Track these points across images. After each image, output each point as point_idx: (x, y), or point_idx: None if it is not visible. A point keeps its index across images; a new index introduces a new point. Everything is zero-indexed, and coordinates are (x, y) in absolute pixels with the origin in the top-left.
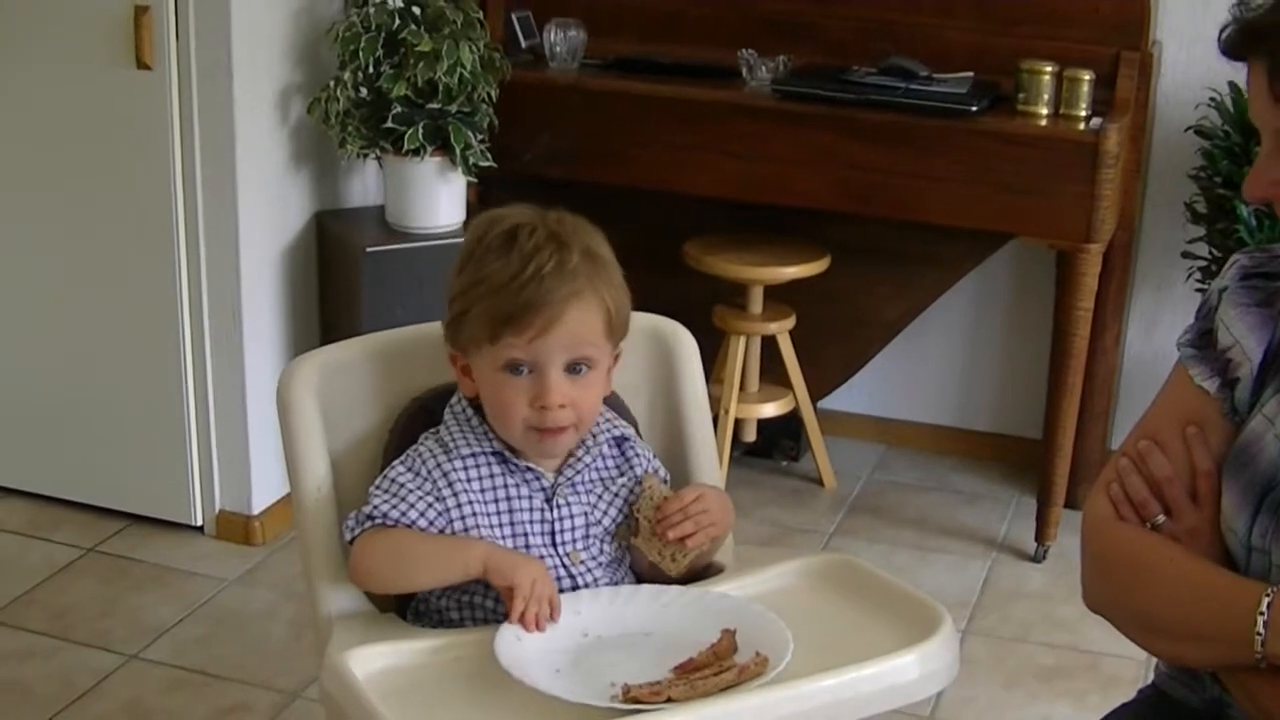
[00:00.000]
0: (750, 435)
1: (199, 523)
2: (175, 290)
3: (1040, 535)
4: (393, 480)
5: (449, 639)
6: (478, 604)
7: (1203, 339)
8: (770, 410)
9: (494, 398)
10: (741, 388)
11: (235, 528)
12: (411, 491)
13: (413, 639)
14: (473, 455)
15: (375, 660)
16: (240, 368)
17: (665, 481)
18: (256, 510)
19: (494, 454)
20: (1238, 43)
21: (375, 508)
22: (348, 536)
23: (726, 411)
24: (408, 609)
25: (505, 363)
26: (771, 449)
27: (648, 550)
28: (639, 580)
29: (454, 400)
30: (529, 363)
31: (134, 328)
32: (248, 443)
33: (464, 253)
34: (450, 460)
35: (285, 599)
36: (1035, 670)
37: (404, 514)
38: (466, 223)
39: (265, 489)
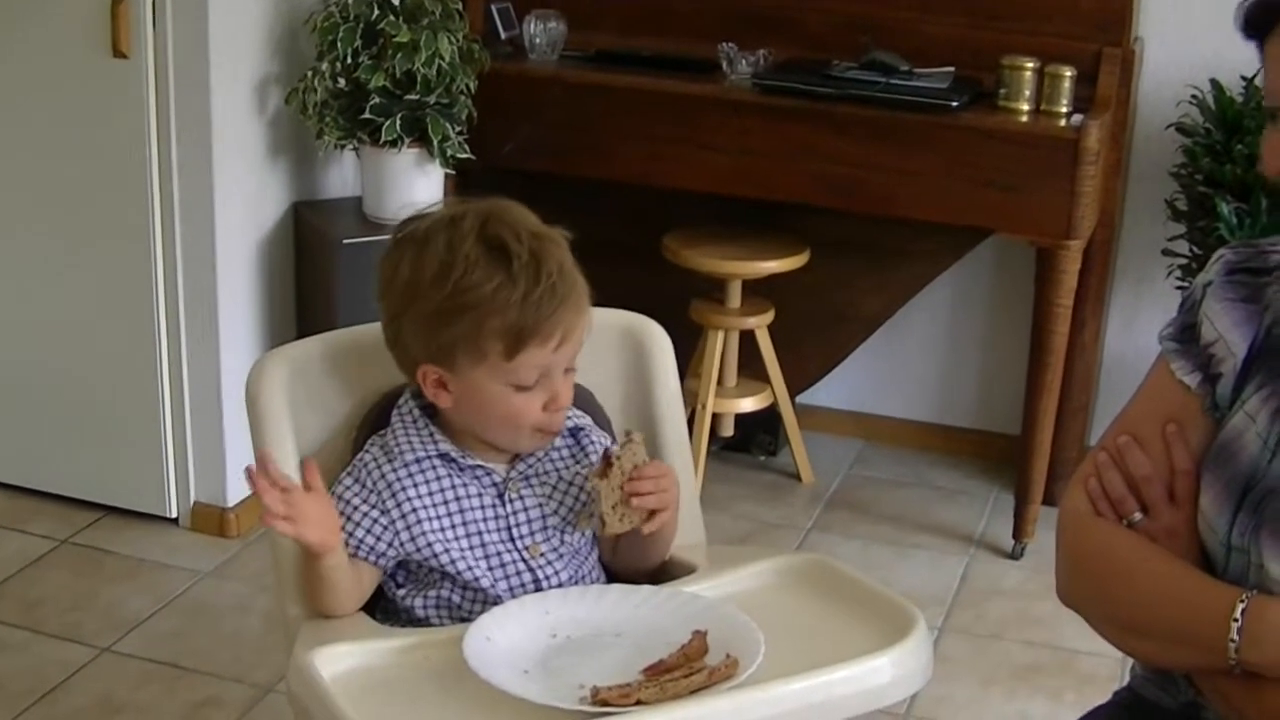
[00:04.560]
0: (728, 430)
1: (174, 515)
2: (151, 281)
3: (1018, 532)
4: (339, 497)
5: (417, 638)
6: (444, 601)
7: (1185, 333)
8: (748, 405)
9: (497, 409)
10: (719, 382)
11: (210, 520)
12: (357, 509)
13: (380, 639)
14: (417, 460)
15: (342, 660)
16: (216, 359)
17: None
18: (231, 503)
19: (440, 456)
20: (1263, 14)
21: None
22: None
23: (704, 406)
24: (377, 608)
25: (518, 381)
26: (749, 444)
27: (606, 497)
28: (605, 569)
29: (402, 401)
30: (540, 374)
31: (109, 318)
32: (223, 435)
33: (428, 266)
34: (394, 468)
35: (259, 592)
36: (1011, 668)
37: (351, 534)
38: None
39: (240, 481)
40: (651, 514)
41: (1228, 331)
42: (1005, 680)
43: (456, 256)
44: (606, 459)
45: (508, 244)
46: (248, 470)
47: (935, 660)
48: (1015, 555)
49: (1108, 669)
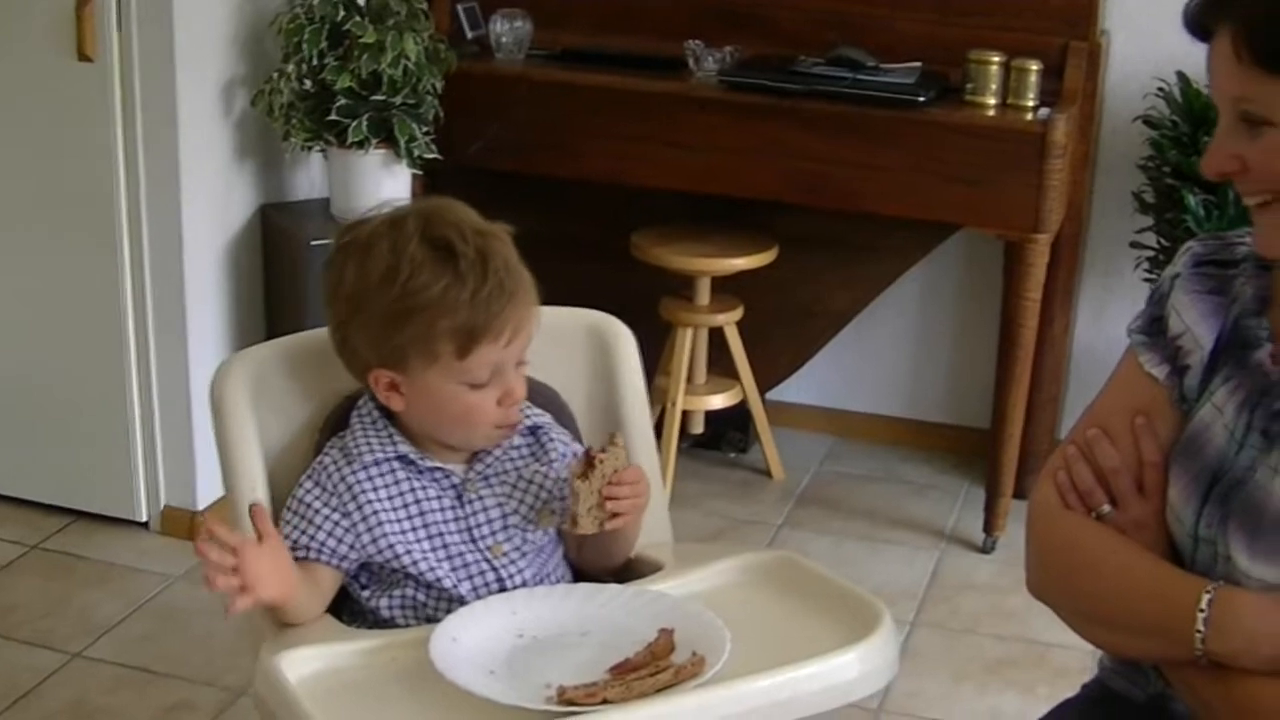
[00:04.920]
0: (698, 427)
1: (144, 519)
2: (119, 284)
3: (989, 526)
4: (300, 500)
5: (383, 640)
6: (409, 601)
7: (1153, 325)
8: (718, 402)
9: (452, 408)
10: (689, 380)
11: (180, 523)
12: (318, 512)
13: (346, 640)
14: (376, 463)
15: (308, 663)
16: (184, 362)
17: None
18: (202, 505)
19: (399, 458)
20: (1205, 12)
21: (286, 536)
22: None
23: (674, 404)
24: (343, 609)
25: (471, 379)
26: (720, 441)
27: (584, 498)
28: (571, 567)
29: (361, 403)
30: (493, 370)
31: (77, 322)
32: (192, 438)
33: (373, 271)
34: (353, 470)
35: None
36: (984, 662)
37: (312, 538)
38: None
39: (210, 484)
40: (615, 515)
41: (1195, 324)
42: (977, 674)
43: (402, 259)
44: (589, 460)
45: (453, 243)
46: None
47: (908, 655)
48: (987, 549)
49: (1080, 662)
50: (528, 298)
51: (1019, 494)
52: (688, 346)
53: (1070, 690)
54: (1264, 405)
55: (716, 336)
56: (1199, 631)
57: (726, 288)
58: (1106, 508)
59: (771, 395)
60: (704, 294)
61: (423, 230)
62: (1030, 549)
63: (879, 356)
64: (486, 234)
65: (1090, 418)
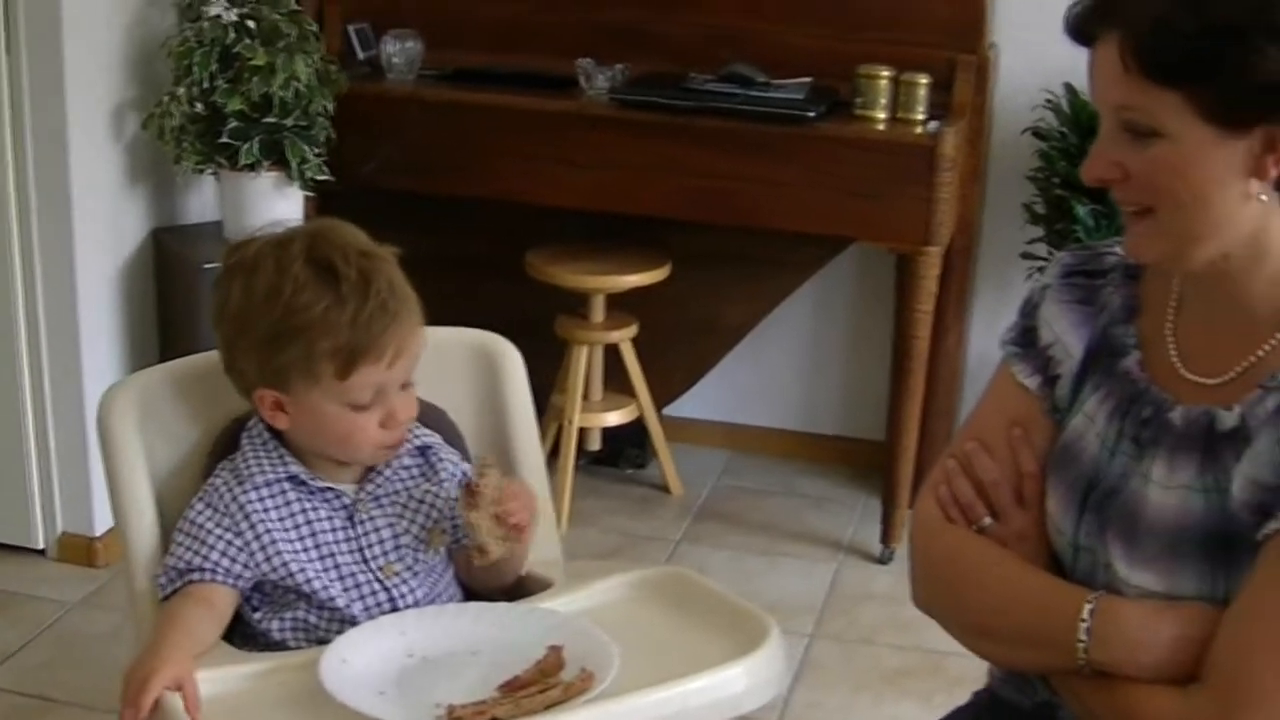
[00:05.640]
0: (595, 444)
1: (40, 545)
2: (11, 310)
3: (886, 537)
4: (192, 522)
5: (274, 663)
6: (300, 623)
7: (1025, 336)
8: (614, 419)
9: (334, 429)
10: (586, 397)
11: (78, 550)
12: (210, 532)
13: (238, 664)
14: (266, 484)
15: (199, 686)
16: (79, 387)
17: None
18: (99, 531)
19: (289, 479)
20: (1090, 19)
21: (179, 558)
22: (160, 595)
23: (571, 421)
24: (235, 632)
25: (353, 400)
26: (617, 458)
27: (480, 527)
28: (461, 586)
29: (252, 424)
30: (376, 392)
31: None
32: (88, 464)
33: (257, 291)
34: (245, 490)
35: (129, 621)
36: (882, 672)
37: (206, 558)
38: None
39: (107, 510)
40: (518, 528)
41: (1065, 334)
42: (876, 685)
43: (285, 279)
44: (470, 490)
45: (335, 264)
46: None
47: (807, 666)
48: (884, 560)
49: (976, 671)
50: (411, 320)
51: (915, 505)
52: (583, 364)
53: (965, 699)
54: (1134, 413)
55: (612, 353)
56: (1081, 642)
57: (621, 305)
58: (988, 520)
59: (668, 411)
60: (599, 311)
61: (308, 251)
62: (914, 564)
63: (775, 371)
64: (371, 256)
65: (968, 430)
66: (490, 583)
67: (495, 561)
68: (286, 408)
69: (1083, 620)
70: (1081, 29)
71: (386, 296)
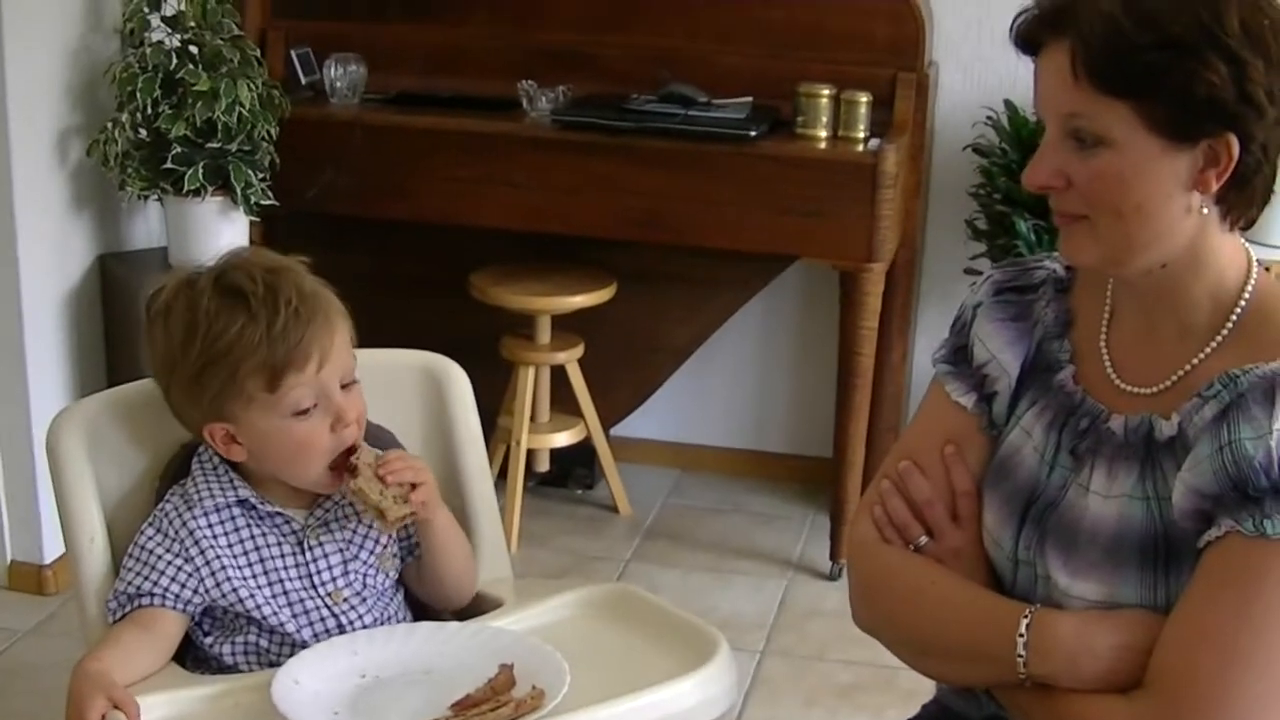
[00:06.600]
0: (544, 465)
1: None
2: None
3: (835, 553)
4: (141, 547)
5: (226, 685)
6: (251, 647)
7: (957, 355)
8: (562, 440)
9: (286, 444)
10: (533, 418)
11: (27, 578)
12: (160, 558)
13: (190, 687)
14: (216, 509)
15: (152, 711)
16: (26, 415)
17: None
18: (49, 559)
19: (239, 503)
20: (1040, 27)
21: (129, 583)
22: (109, 620)
23: (518, 443)
24: (187, 656)
25: (293, 408)
26: (566, 478)
27: (370, 491)
28: (412, 609)
29: (202, 449)
30: (316, 396)
31: None
32: (37, 491)
33: (175, 332)
34: (194, 515)
35: (80, 648)
36: (834, 687)
37: (155, 583)
38: None
39: (57, 537)
40: (414, 487)
41: (1000, 352)
42: (828, 700)
43: (198, 314)
44: (350, 468)
45: (242, 286)
46: None
47: (759, 683)
48: (833, 576)
49: (927, 685)
50: (329, 321)
51: (850, 526)
52: (530, 385)
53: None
54: (1070, 425)
55: (559, 374)
56: (1020, 655)
57: (567, 325)
58: (923, 539)
59: (616, 431)
60: (544, 332)
61: (215, 282)
62: (853, 584)
63: (721, 389)
64: (276, 269)
65: (901, 450)
66: (439, 590)
67: (400, 522)
68: (239, 437)
69: (1020, 635)
70: (1029, 37)
71: (298, 304)
